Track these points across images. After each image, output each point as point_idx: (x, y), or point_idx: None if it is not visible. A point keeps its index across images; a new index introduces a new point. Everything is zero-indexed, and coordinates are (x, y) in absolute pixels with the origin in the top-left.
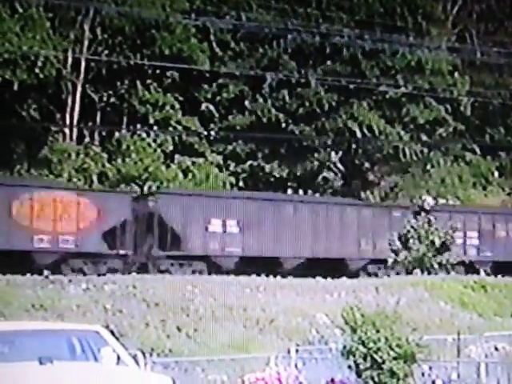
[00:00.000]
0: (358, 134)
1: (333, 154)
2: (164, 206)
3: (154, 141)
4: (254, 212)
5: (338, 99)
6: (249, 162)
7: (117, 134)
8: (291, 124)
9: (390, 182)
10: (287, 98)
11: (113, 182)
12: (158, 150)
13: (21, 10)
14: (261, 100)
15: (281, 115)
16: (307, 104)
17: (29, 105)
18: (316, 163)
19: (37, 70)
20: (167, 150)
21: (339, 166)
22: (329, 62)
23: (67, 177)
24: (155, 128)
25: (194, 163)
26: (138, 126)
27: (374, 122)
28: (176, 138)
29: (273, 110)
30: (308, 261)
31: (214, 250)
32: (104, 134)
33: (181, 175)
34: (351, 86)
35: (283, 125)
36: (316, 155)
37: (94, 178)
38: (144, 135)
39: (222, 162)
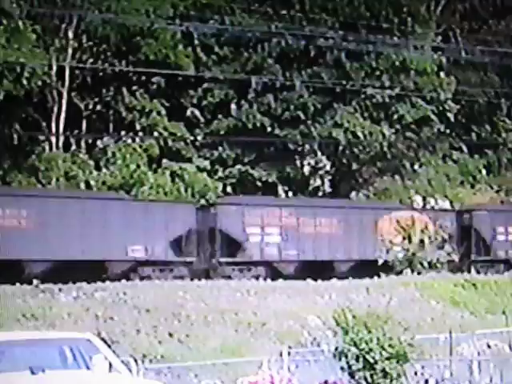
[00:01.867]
0: (342, 138)
1: (324, 158)
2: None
3: (140, 146)
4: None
5: (324, 102)
6: (236, 167)
7: (102, 141)
8: (277, 128)
9: (378, 183)
10: (272, 102)
11: (101, 189)
12: (145, 156)
13: (6, 23)
14: (246, 105)
15: (266, 119)
16: (292, 108)
17: (15, 115)
18: (306, 167)
19: (23, 81)
20: (154, 155)
21: (328, 168)
22: (314, 65)
23: (55, 185)
24: (141, 134)
25: (181, 168)
26: (123, 132)
27: (360, 126)
28: (162, 143)
29: (258, 116)
30: None
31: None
32: (90, 141)
33: (169, 181)
34: (337, 89)
35: (269, 129)
36: (307, 160)
37: (82, 185)
38: (130, 141)
39: (209, 167)
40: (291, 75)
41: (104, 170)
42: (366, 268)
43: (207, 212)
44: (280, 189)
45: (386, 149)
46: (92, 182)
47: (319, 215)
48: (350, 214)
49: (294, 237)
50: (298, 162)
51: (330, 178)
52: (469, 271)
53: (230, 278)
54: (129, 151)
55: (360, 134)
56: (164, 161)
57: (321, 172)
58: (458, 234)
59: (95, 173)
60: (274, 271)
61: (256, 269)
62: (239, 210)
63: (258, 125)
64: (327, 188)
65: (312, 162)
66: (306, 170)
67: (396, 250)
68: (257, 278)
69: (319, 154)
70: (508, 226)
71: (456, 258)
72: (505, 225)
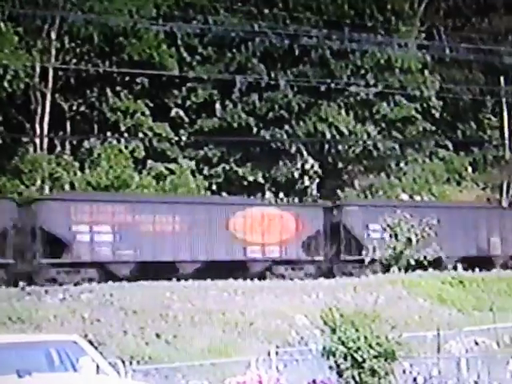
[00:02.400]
0: (328, 135)
1: (310, 159)
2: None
3: (126, 147)
4: None
5: (309, 101)
6: (221, 166)
7: (87, 142)
8: (262, 128)
9: (364, 181)
10: (257, 101)
11: (86, 190)
12: (130, 157)
13: None
14: (231, 105)
15: (251, 119)
16: (277, 107)
17: None
18: (293, 168)
19: (5, 84)
20: (139, 156)
21: (317, 169)
22: (298, 64)
23: (39, 186)
24: (126, 135)
25: (167, 169)
26: (108, 134)
27: (344, 122)
28: (147, 144)
29: (243, 115)
30: None
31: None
32: (75, 142)
33: (154, 181)
34: (322, 88)
35: (254, 129)
36: (295, 161)
37: (67, 186)
38: (115, 142)
39: (194, 167)
40: (276, 74)
41: (88, 171)
42: (216, 269)
43: (28, 209)
44: (267, 188)
45: (371, 147)
46: (76, 184)
47: (159, 212)
48: (196, 210)
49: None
50: (285, 162)
51: (317, 177)
52: (332, 273)
53: (54, 280)
54: (114, 152)
55: (344, 130)
56: (149, 161)
57: (309, 172)
58: (325, 232)
59: (80, 174)
60: (107, 273)
61: (86, 271)
62: (64, 206)
63: (244, 124)
64: (315, 187)
65: (299, 163)
66: (296, 172)
67: (254, 249)
68: (89, 280)
69: (305, 153)
70: (379, 223)
71: (321, 257)
72: (379, 221)
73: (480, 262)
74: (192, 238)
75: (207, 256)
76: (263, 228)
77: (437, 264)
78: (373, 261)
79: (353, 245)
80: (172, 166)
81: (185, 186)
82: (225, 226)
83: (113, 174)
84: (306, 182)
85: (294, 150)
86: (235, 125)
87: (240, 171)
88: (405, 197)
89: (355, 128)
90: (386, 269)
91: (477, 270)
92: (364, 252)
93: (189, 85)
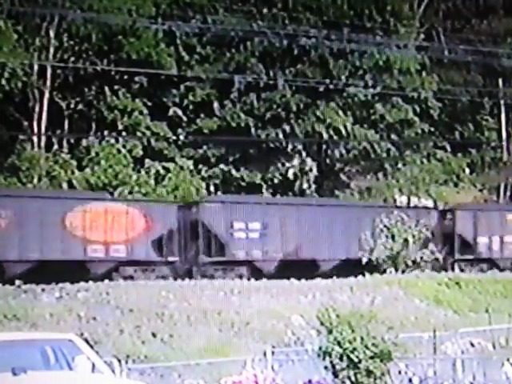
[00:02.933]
0: (325, 136)
1: (308, 160)
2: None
3: (124, 147)
4: None
5: (307, 101)
6: (219, 166)
7: (85, 141)
8: (260, 128)
9: (362, 182)
10: (255, 101)
11: (85, 188)
12: (128, 156)
13: None
14: (230, 105)
15: (250, 119)
16: (275, 107)
17: None
18: (291, 169)
19: (3, 82)
20: (137, 155)
21: (314, 170)
22: (297, 64)
23: (36, 184)
24: (124, 134)
25: (164, 168)
26: (106, 132)
27: (342, 123)
28: (145, 143)
29: (242, 115)
30: None
31: None
32: (73, 141)
33: (152, 181)
34: (321, 88)
35: (252, 129)
36: (293, 161)
37: (64, 185)
38: (113, 141)
39: (192, 167)
40: (274, 74)
41: (87, 169)
42: (51, 270)
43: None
44: (264, 189)
45: (368, 148)
46: (74, 182)
47: None
48: (27, 205)
49: None
50: (282, 162)
51: (314, 178)
52: (190, 276)
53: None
54: (112, 152)
55: (342, 131)
56: (146, 160)
57: (307, 172)
58: (180, 231)
59: (78, 173)
60: None
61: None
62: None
63: (243, 124)
64: (313, 188)
65: (297, 163)
66: (291, 172)
67: (96, 248)
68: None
69: (304, 154)
70: (248, 222)
71: (176, 258)
72: (244, 220)
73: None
74: (22, 235)
75: (41, 255)
76: (107, 225)
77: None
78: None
79: (214, 245)
80: (170, 165)
81: (183, 185)
82: (60, 223)
83: (111, 173)
84: (305, 183)
85: (291, 150)
86: (234, 124)
87: (237, 173)
88: (402, 198)
89: (353, 129)
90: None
91: (473, 271)
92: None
93: (187, 84)
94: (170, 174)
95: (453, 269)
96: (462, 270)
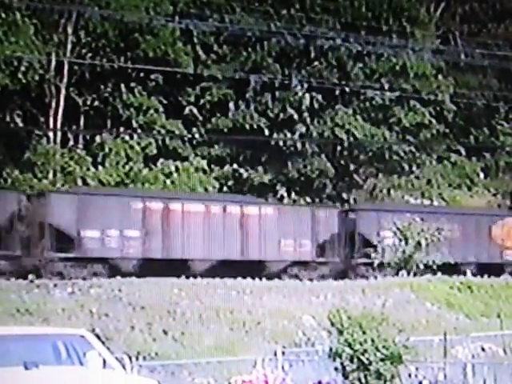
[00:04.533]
0: (345, 137)
1: (325, 159)
2: None
3: (138, 144)
4: None
5: (322, 102)
6: (233, 166)
7: (99, 137)
8: (274, 129)
9: (375, 184)
10: (270, 102)
11: (97, 186)
12: (141, 154)
13: (4, 16)
14: (243, 106)
15: (263, 120)
16: (291, 107)
17: (12, 109)
18: (308, 168)
19: (20, 75)
20: (151, 153)
21: (331, 170)
22: (314, 64)
23: (52, 180)
24: (139, 131)
25: (177, 168)
26: (121, 129)
27: (360, 125)
28: (160, 142)
29: (255, 116)
30: None
31: None
32: (88, 137)
33: (166, 179)
34: (337, 91)
35: (266, 130)
36: (307, 161)
37: (79, 181)
38: (127, 138)
39: (206, 166)
40: (290, 75)
41: (100, 167)
42: None
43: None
44: (278, 189)
45: (384, 150)
46: (89, 179)
47: None
48: None
49: None
50: (298, 162)
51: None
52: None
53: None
54: (124, 147)
55: (361, 136)
56: (161, 160)
57: (326, 172)
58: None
59: (92, 170)
60: None
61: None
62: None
63: (256, 125)
64: (328, 189)
65: (315, 164)
66: (311, 172)
67: None
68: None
69: (323, 156)
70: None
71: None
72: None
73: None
74: None
75: None
76: None
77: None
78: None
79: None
80: (184, 164)
81: (192, 183)
82: None
83: (122, 170)
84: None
85: (308, 150)
86: (247, 126)
87: (250, 173)
88: (414, 201)
89: (372, 132)
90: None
91: (485, 275)
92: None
93: (203, 84)
94: (179, 172)
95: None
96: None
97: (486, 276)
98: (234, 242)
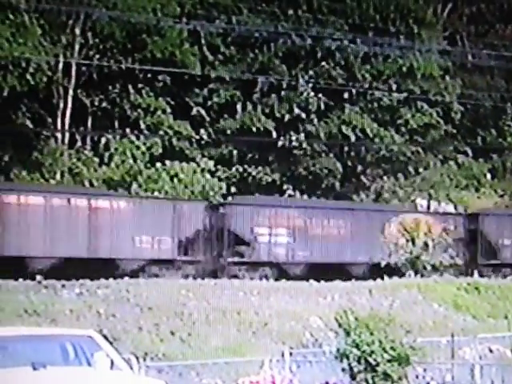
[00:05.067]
0: (352, 138)
1: (334, 159)
2: None
3: (144, 144)
4: None
5: (330, 103)
6: (240, 166)
7: (106, 138)
8: (281, 130)
9: (382, 184)
10: (277, 102)
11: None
12: (146, 154)
13: (12, 17)
14: (250, 107)
15: (270, 122)
16: (298, 108)
17: (20, 110)
18: (317, 167)
19: (28, 77)
20: (156, 153)
21: (340, 169)
22: (321, 65)
23: (59, 180)
24: (146, 132)
25: (182, 170)
26: (128, 130)
27: (367, 126)
28: (167, 143)
29: (262, 118)
30: None
31: None
32: (96, 138)
33: (172, 180)
34: (344, 90)
35: (273, 131)
36: (317, 160)
37: (86, 182)
38: (133, 138)
39: (212, 167)
40: (297, 75)
41: (104, 167)
42: None
43: None
44: (285, 188)
45: (391, 151)
46: (93, 180)
47: None
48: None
49: None
50: (308, 163)
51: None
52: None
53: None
54: (129, 147)
55: (368, 134)
56: (167, 162)
57: (334, 172)
58: None
59: (99, 170)
60: None
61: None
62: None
63: (262, 129)
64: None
65: (324, 163)
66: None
67: None
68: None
69: (331, 155)
70: None
71: None
72: None
73: None
74: None
75: None
76: None
77: None
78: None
79: None
80: (184, 165)
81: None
82: None
83: (125, 170)
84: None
85: (316, 149)
86: (254, 128)
87: (257, 172)
88: (422, 201)
89: (379, 132)
90: None
91: (493, 276)
92: None
93: (211, 86)
94: (184, 173)
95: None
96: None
97: (379, 277)
98: (80, 238)
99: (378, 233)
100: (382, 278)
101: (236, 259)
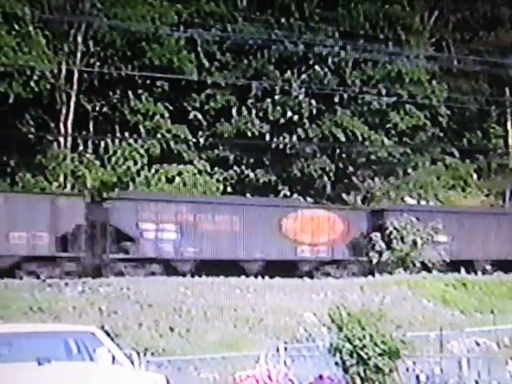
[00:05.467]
0: (343, 139)
1: (328, 161)
2: None
3: (142, 146)
4: None
5: (321, 107)
6: (236, 168)
7: (106, 141)
8: (275, 133)
9: (372, 185)
10: (270, 106)
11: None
12: (145, 156)
13: (17, 28)
14: (245, 113)
15: (264, 125)
16: (291, 112)
17: (24, 116)
18: (312, 168)
19: (32, 84)
20: (154, 154)
21: (333, 169)
22: (313, 71)
23: (62, 182)
24: (145, 136)
25: (180, 172)
26: (127, 134)
27: (358, 129)
28: (165, 146)
29: (257, 122)
30: None
31: None
32: (97, 142)
33: (170, 181)
34: (335, 95)
35: (267, 135)
36: (310, 161)
37: (88, 184)
38: (131, 141)
39: (209, 169)
40: (290, 81)
41: (102, 169)
42: None
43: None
44: (280, 189)
45: (382, 153)
46: (90, 181)
47: None
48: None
49: None
50: (301, 164)
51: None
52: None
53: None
54: (128, 149)
55: (359, 136)
56: (165, 165)
57: (328, 173)
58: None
59: (99, 172)
60: None
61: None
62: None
63: (257, 132)
64: (329, 187)
65: (317, 164)
66: (313, 172)
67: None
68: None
69: (325, 157)
70: None
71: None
72: None
73: None
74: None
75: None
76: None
77: None
78: None
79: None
80: (182, 167)
81: (196, 185)
82: None
83: (122, 171)
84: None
85: (308, 151)
86: (249, 133)
87: (253, 174)
88: (411, 201)
89: (369, 135)
90: None
91: (479, 273)
92: None
93: (208, 92)
94: (182, 175)
95: None
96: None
97: (277, 275)
98: None
99: (275, 229)
100: (373, 275)
101: (120, 256)
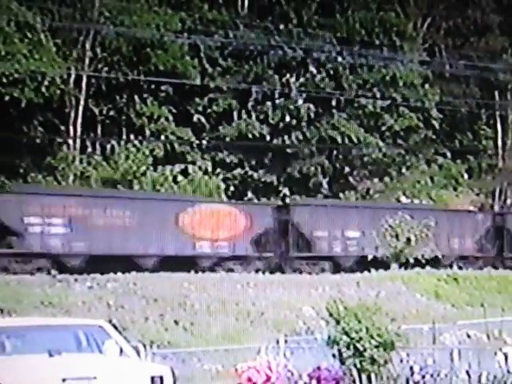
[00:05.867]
0: (339, 140)
1: (326, 161)
2: None
3: (146, 147)
4: None
5: (319, 110)
6: (241, 169)
7: (113, 143)
8: (274, 135)
9: (368, 185)
10: (270, 110)
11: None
12: (149, 156)
13: (30, 35)
14: (245, 116)
15: (264, 127)
16: (290, 115)
17: (36, 120)
18: (311, 169)
19: (43, 89)
20: (158, 155)
21: (330, 171)
22: (311, 75)
23: (71, 183)
24: (151, 138)
25: (183, 172)
26: (132, 136)
27: (354, 131)
28: (169, 148)
29: (257, 124)
30: None
31: None
32: (104, 144)
33: (173, 182)
34: (332, 98)
35: (267, 137)
36: (309, 163)
37: (95, 184)
38: (136, 142)
39: (211, 170)
40: (289, 85)
41: (109, 168)
42: None
43: None
44: (280, 189)
45: (377, 155)
46: (93, 181)
47: None
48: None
49: None
50: (300, 165)
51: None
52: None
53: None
54: (132, 151)
55: (354, 139)
56: (168, 166)
57: (325, 171)
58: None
59: (106, 172)
60: None
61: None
62: None
63: (257, 134)
64: (326, 186)
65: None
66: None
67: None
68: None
69: (323, 157)
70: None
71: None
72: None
73: None
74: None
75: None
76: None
77: None
78: None
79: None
80: (191, 167)
81: (199, 186)
82: None
83: (127, 170)
84: (320, 180)
85: (307, 152)
86: (250, 135)
87: (255, 174)
88: (405, 200)
89: (365, 137)
90: None
91: (470, 268)
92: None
93: (211, 96)
94: (186, 175)
95: None
96: None
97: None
98: None
99: (171, 224)
100: (369, 271)
101: (3, 250)
